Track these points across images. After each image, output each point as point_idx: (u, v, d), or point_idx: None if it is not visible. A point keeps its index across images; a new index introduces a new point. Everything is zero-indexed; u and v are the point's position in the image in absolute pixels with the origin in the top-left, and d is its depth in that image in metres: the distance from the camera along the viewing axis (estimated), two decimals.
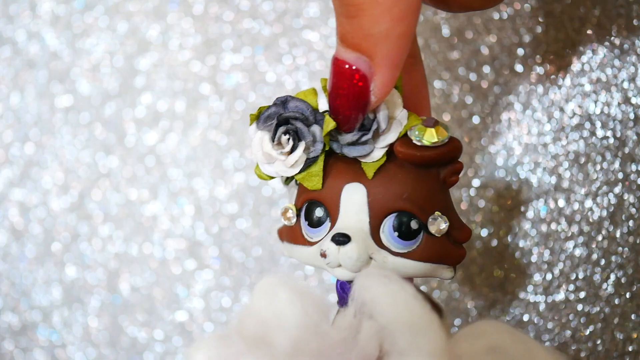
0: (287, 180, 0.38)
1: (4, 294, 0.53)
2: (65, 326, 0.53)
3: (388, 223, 0.34)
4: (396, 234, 0.34)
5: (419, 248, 0.34)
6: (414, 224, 0.34)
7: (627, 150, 0.45)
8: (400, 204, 0.34)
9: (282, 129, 0.34)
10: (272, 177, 0.36)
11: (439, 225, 0.34)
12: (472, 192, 0.47)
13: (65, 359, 0.53)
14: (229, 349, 0.34)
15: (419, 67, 0.38)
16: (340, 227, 0.34)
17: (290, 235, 0.37)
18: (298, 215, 0.36)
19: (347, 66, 0.32)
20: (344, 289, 0.35)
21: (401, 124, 0.34)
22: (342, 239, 0.34)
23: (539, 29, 0.46)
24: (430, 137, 0.34)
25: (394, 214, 0.34)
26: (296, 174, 0.35)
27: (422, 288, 0.48)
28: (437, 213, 0.34)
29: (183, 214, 0.51)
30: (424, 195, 0.34)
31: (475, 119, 0.48)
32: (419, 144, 0.34)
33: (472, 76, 0.48)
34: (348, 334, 0.32)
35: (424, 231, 0.34)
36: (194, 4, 0.52)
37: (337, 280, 0.36)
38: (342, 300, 0.35)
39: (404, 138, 0.34)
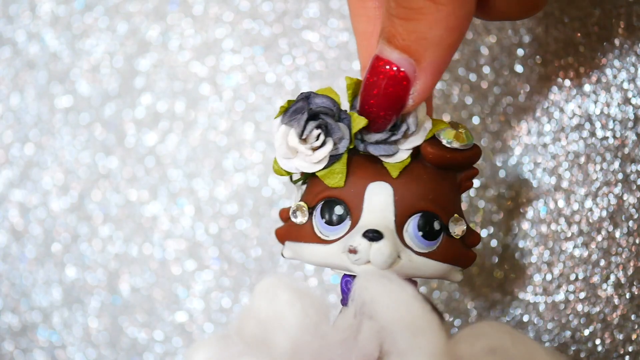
0: (296, 179, 0.37)
1: (4, 294, 0.53)
2: (65, 327, 0.53)
3: (413, 222, 0.34)
4: (420, 233, 0.34)
5: (439, 249, 0.35)
6: (436, 225, 0.35)
7: (626, 150, 0.45)
8: (426, 204, 0.34)
9: (312, 124, 0.34)
10: (291, 173, 0.36)
11: (459, 227, 0.35)
12: (472, 192, 0.47)
13: (65, 359, 0.53)
14: (228, 349, 0.34)
15: None
16: (365, 224, 0.34)
17: (298, 233, 0.36)
18: (310, 214, 0.36)
19: (390, 66, 0.32)
20: (348, 287, 0.35)
21: (426, 129, 0.35)
22: (375, 235, 0.33)
23: (539, 29, 0.46)
24: (459, 140, 0.34)
25: (419, 214, 0.34)
26: (317, 171, 0.35)
27: (422, 289, 0.48)
28: (456, 215, 0.35)
29: (183, 214, 0.51)
30: (445, 197, 0.35)
31: (475, 119, 0.48)
32: (448, 146, 0.34)
33: (472, 77, 0.48)
34: (348, 335, 0.32)
35: (444, 232, 0.35)
36: (194, 4, 0.52)
37: (342, 278, 0.36)
38: (346, 299, 0.35)
39: (432, 140, 0.35)
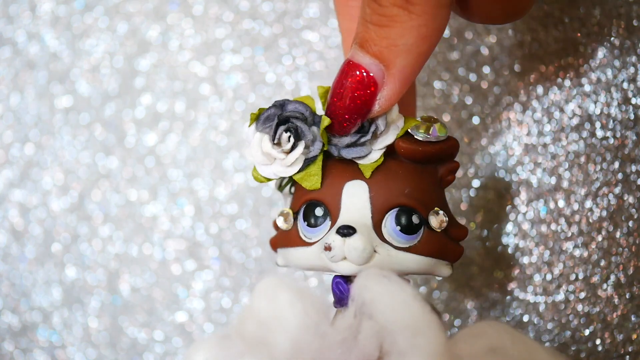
0: (282, 186, 0.38)
1: (4, 294, 0.53)
2: (65, 327, 0.53)
3: (390, 218, 0.35)
4: (398, 228, 0.35)
5: (420, 243, 0.35)
6: (415, 219, 0.35)
7: (627, 150, 0.45)
8: (402, 199, 0.35)
9: (282, 128, 0.35)
10: (270, 179, 0.36)
11: (439, 219, 0.35)
12: (472, 192, 0.47)
13: (65, 359, 0.53)
14: (228, 349, 0.34)
15: None
16: (342, 223, 0.34)
17: (286, 239, 0.37)
18: (295, 219, 0.36)
19: (360, 71, 0.33)
20: (339, 288, 0.35)
21: (398, 127, 0.35)
22: (347, 231, 0.34)
23: (539, 29, 0.46)
24: (432, 132, 0.35)
25: (396, 209, 0.35)
26: (294, 174, 0.35)
27: (422, 288, 0.48)
28: (436, 208, 0.35)
29: (183, 214, 0.51)
30: (423, 191, 0.35)
31: (475, 119, 0.48)
32: (421, 139, 0.35)
33: (472, 76, 0.48)
34: (348, 335, 0.32)
35: (425, 226, 0.35)
36: (194, 4, 0.52)
37: (333, 279, 0.36)
38: (339, 300, 0.35)
39: (405, 135, 0.35)
